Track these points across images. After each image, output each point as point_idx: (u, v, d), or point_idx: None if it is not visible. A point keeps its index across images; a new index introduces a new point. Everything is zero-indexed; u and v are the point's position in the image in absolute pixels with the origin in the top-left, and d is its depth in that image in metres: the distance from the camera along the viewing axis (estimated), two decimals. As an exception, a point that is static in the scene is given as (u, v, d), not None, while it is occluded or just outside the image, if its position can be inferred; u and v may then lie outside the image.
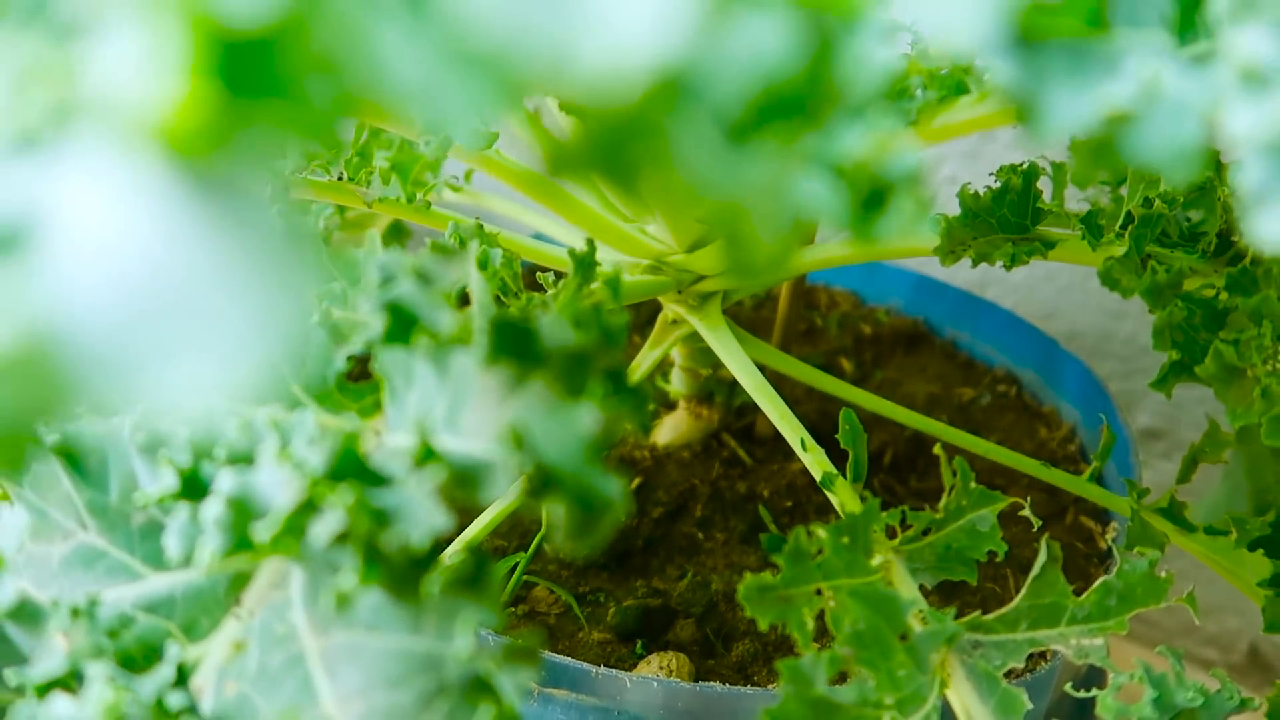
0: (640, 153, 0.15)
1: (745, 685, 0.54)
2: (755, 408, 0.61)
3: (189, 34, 0.10)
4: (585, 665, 0.50)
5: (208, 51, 0.10)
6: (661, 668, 0.57)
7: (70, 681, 0.27)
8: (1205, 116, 0.21)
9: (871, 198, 0.23)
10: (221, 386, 0.11)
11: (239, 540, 0.28)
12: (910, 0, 0.18)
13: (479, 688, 0.28)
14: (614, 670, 0.50)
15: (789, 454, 0.69)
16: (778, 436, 0.59)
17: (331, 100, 0.12)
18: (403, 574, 0.28)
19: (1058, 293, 0.96)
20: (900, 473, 0.73)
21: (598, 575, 0.64)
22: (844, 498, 0.47)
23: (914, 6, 0.18)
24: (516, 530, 0.66)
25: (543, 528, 0.61)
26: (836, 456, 0.52)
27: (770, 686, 0.55)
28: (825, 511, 0.68)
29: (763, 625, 0.39)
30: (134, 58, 0.10)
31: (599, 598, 0.62)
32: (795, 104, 0.17)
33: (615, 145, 0.15)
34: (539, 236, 0.69)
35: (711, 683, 0.51)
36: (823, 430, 0.55)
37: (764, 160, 0.17)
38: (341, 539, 0.27)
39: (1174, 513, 0.58)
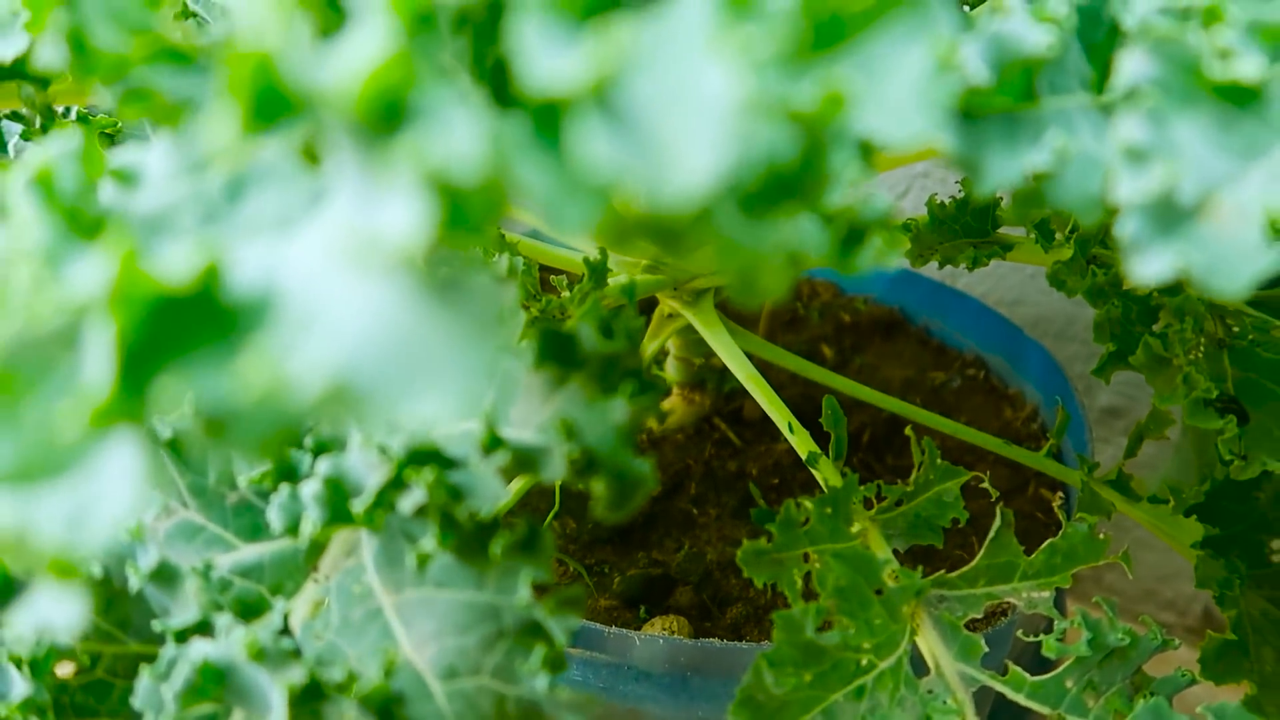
0: (687, 229, 0.22)
1: (740, 642, 0.61)
2: (744, 392, 0.68)
3: (438, 200, 0.16)
4: (599, 626, 0.57)
5: (446, 208, 0.16)
6: (664, 629, 0.64)
7: (202, 629, 0.34)
8: (1104, 177, 0.28)
9: (851, 236, 0.29)
10: (449, 412, 0.17)
11: (335, 513, 0.34)
12: (869, 98, 0.25)
13: (533, 631, 0.35)
14: (624, 630, 0.57)
15: (775, 435, 0.76)
16: (765, 419, 0.66)
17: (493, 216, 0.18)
18: (470, 539, 0.34)
19: (1025, 280, 1.04)
20: (878, 451, 0.80)
21: (603, 548, 0.70)
22: (827, 473, 0.54)
23: (873, 104, 0.25)
24: (525, 509, 0.72)
25: (555, 506, 0.68)
26: (819, 437, 0.59)
27: (762, 643, 0.62)
28: (809, 487, 0.75)
29: (759, 583, 0.46)
30: (399, 213, 0.16)
31: (604, 569, 0.69)
32: (795, 184, 0.24)
33: (670, 226, 0.21)
34: (535, 234, 0.75)
35: (710, 639, 0.58)
36: (806, 412, 0.62)
37: (774, 226, 0.24)
38: (421, 511, 0.34)
39: (1122, 484, 0.65)
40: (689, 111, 0.18)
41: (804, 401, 0.81)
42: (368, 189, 0.17)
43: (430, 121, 0.16)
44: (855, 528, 0.49)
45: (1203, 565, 0.61)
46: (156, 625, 0.33)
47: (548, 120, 0.18)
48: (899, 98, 0.24)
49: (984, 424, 0.81)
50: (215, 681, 0.31)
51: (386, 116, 0.16)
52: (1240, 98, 0.26)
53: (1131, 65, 0.27)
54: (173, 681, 0.31)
